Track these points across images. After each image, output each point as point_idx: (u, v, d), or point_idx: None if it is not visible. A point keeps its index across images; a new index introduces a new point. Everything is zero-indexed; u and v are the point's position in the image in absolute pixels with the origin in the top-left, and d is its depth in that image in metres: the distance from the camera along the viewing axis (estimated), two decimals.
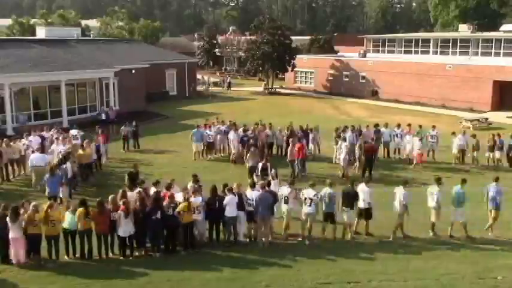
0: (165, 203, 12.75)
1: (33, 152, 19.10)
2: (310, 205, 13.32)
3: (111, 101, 33.46)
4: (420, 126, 24.01)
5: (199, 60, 65.46)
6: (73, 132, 22.86)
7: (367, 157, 19.69)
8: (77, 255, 12.44)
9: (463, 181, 14.17)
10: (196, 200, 13.02)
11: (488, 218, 14.30)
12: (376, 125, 23.51)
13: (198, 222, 13.12)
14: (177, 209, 12.59)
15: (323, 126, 24.79)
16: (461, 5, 74.53)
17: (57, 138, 21.06)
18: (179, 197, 13.16)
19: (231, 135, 22.68)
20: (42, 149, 20.23)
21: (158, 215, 12.39)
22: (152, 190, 13.80)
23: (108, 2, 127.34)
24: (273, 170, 16.06)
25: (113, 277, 11.43)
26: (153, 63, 41.11)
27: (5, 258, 12.11)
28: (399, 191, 13.88)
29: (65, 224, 12.20)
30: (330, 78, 52.00)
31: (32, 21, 73.09)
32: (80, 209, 12.25)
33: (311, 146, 23.20)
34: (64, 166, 17.01)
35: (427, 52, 51.64)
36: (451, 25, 75.14)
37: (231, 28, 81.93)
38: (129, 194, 13.48)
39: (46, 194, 15.68)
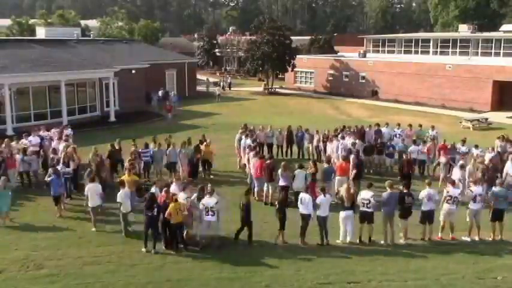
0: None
1: (35, 152, 19.08)
2: (476, 202, 13.69)
3: (111, 101, 33.44)
4: (420, 126, 24.01)
5: (199, 60, 65.48)
6: (67, 131, 22.85)
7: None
8: None
9: None
10: (210, 202, 12.90)
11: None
12: (377, 125, 23.51)
13: (212, 223, 12.92)
14: (168, 210, 12.56)
15: (323, 127, 24.74)
16: (461, 5, 74.60)
17: (52, 138, 21.09)
18: (182, 196, 13.19)
19: (243, 141, 21.09)
20: (42, 149, 20.23)
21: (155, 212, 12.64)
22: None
23: (108, 2, 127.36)
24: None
25: (112, 277, 11.42)
26: (153, 63, 41.13)
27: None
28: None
29: None
30: (329, 78, 52.01)
31: (32, 21, 73.06)
32: None
33: (307, 145, 23.18)
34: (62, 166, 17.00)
35: (427, 52, 51.72)
36: (451, 25, 75.20)
37: (231, 28, 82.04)
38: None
39: (51, 194, 15.67)
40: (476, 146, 20.51)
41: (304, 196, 13.37)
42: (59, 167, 16.56)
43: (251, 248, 13.07)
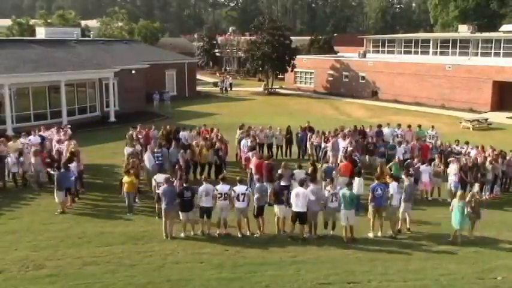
0: None
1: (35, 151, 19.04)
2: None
3: (111, 101, 33.45)
4: (419, 126, 24.00)
5: (199, 60, 65.49)
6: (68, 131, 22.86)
7: None
8: None
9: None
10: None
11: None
12: (379, 126, 23.51)
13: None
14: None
15: (323, 127, 24.75)
16: (461, 6, 74.50)
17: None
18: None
19: (243, 142, 21.23)
20: (43, 148, 20.20)
21: None
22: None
23: (108, 2, 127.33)
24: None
25: (112, 277, 11.40)
26: (153, 64, 41.12)
27: None
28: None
29: None
30: (329, 78, 52.02)
31: (32, 21, 73.07)
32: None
33: (308, 145, 23.19)
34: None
35: (427, 52, 51.66)
36: (450, 25, 75.17)
37: (230, 28, 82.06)
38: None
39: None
40: (467, 143, 20.81)
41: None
42: (71, 166, 16.66)
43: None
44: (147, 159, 18.15)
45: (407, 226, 14.35)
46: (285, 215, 13.86)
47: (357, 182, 15.68)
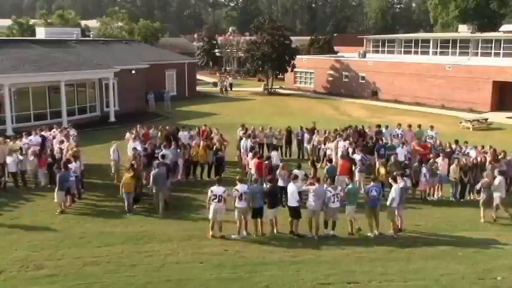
0: None
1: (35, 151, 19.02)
2: None
3: (111, 101, 33.44)
4: (419, 126, 23.98)
5: (199, 60, 65.48)
6: (72, 132, 22.81)
7: None
8: None
9: None
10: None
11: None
12: (378, 126, 23.52)
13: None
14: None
15: (323, 127, 24.72)
16: (461, 6, 74.50)
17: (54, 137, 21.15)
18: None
19: (243, 142, 21.19)
20: (43, 148, 20.20)
21: None
22: None
23: (107, 2, 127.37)
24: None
25: (112, 277, 11.41)
26: (153, 64, 41.12)
27: None
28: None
29: None
30: (329, 78, 52.01)
31: (32, 21, 73.09)
32: None
33: (306, 146, 23.18)
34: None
35: (427, 53, 51.63)
36: (450, 25, 75.19)
37: (230, 28, 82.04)
38: None
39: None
40: (466, 143, 20.86)
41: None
42: (71, 166, 16.68)
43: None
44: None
45: (399, 227, 14.34)
46: (276, 215, 14.02)
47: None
